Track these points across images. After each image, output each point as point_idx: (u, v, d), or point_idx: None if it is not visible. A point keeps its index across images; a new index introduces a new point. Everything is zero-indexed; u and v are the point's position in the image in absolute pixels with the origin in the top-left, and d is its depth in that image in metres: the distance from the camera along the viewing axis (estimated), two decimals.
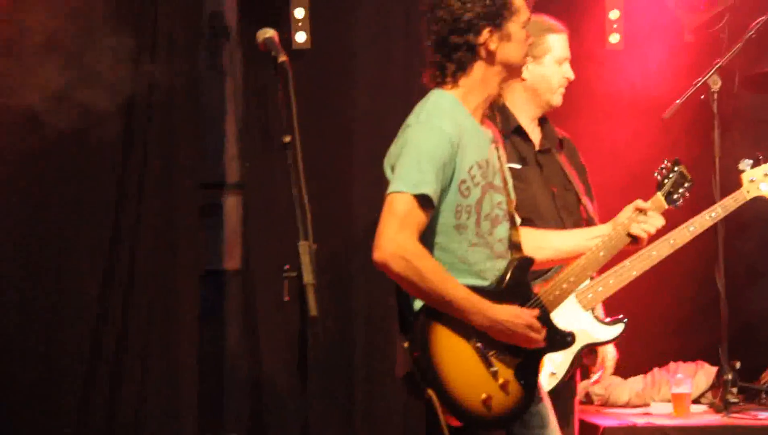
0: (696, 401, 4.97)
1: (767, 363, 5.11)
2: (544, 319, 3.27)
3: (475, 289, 3.14)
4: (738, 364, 4.86)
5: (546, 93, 4.11)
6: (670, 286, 5.72)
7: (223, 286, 3.51)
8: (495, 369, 3.13)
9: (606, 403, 5.08)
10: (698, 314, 5.66)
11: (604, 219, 4.40)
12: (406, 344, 3.10)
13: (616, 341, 4.04)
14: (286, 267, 3.07)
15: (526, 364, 3.20)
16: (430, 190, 3.05)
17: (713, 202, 4.60)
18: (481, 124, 3.26)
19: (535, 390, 3.27)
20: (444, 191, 3.11)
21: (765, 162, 3.98)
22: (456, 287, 3.08)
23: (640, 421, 4.45)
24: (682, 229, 3.97)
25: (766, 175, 3.96)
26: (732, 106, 5.36)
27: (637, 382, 5.11)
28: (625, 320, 4.00)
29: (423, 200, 3.05)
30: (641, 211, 3.51)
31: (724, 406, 4.68)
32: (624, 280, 3.99)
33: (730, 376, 4.78)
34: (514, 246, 3.26)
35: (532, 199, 4.01)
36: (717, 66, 4.83)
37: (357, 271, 5.65)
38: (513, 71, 3.27)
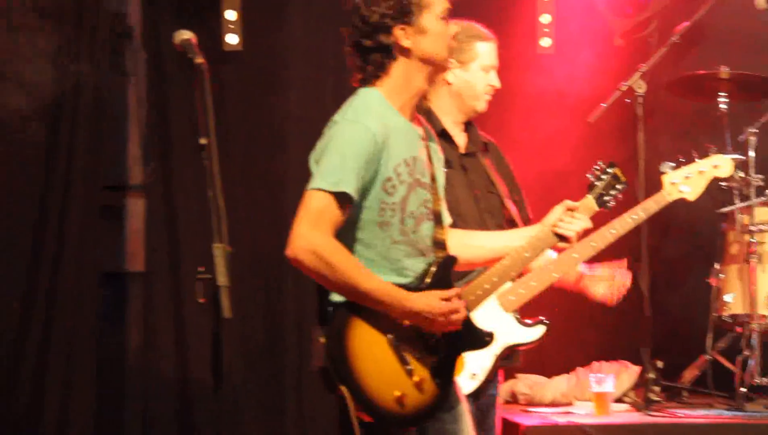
0: (619, 400, 5.04)
1: (690, 362, 5.19)
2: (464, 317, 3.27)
3: (400, 286, 3.13)
4: (660, 364, 4.94)
5: (471, 99, 4.13)
6: None
7: (125, 288, 3.49)
8: (410, 367, 3.13)
9: (531, 403, 5.14)
10: (623, 315, 5.74)
11: (536, 219, 4.47)
12: (321, 338, 3.10)
13: (537, 343, 4.07)
14: (200, 269, 3.06)
15: (443, 364, 3.21)
16: (350, 188, 3.05)
17: (636, 204, 4.70)
18: (411, 120, 3.25)
19: (451, 389, 3.27)
20: (367, 188, 3.10)
21: (685, 165, 4.04)
22: (370, 279, 3.07)
23: (562, 420, 4.50)
24: (604, 231, 4.02)
25: (686, 177, 3.96)
26: (656, 109, 5.45)
27: (561, 382, 5.18)
28: (547, 322, 4.04)
29: (341, 198, 3.05)
30: (570, 210, 3.51)
31: (645, 405, 4.76)
32: (545, 283, 4.03)
33: (652, 375, 4.86)
34: (438, 244, 3.26)
35: (455, 202, 4.04)
36: (641, 70, 4.91)
37: (288, 273, 5.67)
38: (436, 64, 3.23)
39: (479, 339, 3.33)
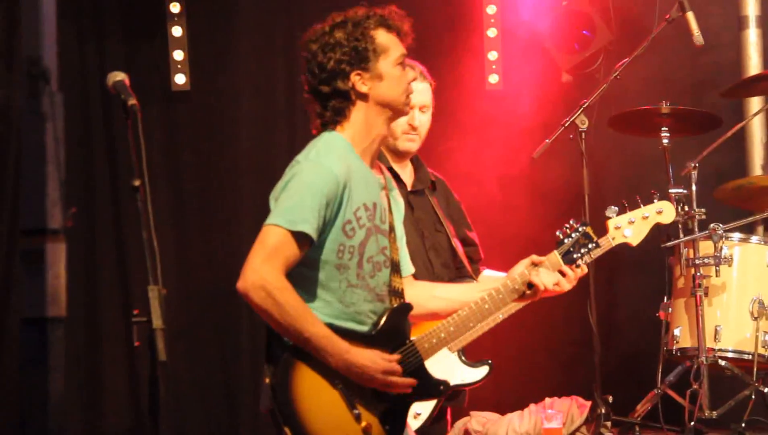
0: None
1: (641, 396, 5.20)
2: (417, 366, 3.25)
3: (349, 333, 3.14)
4: (610, 398, 4.94)
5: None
6: (546, 324, 5.81)
7: (46, 333, 3.42)
8: (358, 412, 3.11)
9: None
10: (573, 350, 5.76)
11: (487, 257, 4.47)
12: (267, 380, 3.08)
13: (481, 383, 4.05)
14: (135, 312, 3.03)
15: (392, 409, 3.19)
16: (308, 228, 3.05)
17: None
18: (372, 167, 3.27)
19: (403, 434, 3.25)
20: (327, 229, 3.11)
21: (630, 209, 4.06)
22: (315, 325, 3.06)
23: None
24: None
25: (630, 222, 3.99)
26: (600, 144, 5.50)
27: (514, 419, 5.15)
28: (490, 362, 4.03)
29: (299, 237, 3.05)
30: (535, 265, 3.47)
31: None
32: (490, 323, 4.02)
33: (603, 410, 4.85)
34: (395, 292, 3.26)
35: None
36: (583, 106, 4.94)
37: (243, 311, 5.65)
38: (394, 109, 3.24)
39: (432, 388, 3.31)
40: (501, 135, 5.95)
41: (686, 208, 4.97)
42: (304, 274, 3.12)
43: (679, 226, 4.99)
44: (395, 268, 3.28)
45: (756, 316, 4.90)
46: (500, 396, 5.46)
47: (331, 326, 3.12)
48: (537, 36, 6.00)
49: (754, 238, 5.07)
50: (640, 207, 4.11)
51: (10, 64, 4.40)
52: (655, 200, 4.15)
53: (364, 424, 3.12)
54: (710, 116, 5.14)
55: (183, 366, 5.60)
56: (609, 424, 4.89)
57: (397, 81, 3.22)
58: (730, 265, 4.90)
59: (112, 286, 5.49)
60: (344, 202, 3.11)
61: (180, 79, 5.75)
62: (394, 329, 3.22)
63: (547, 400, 5.23)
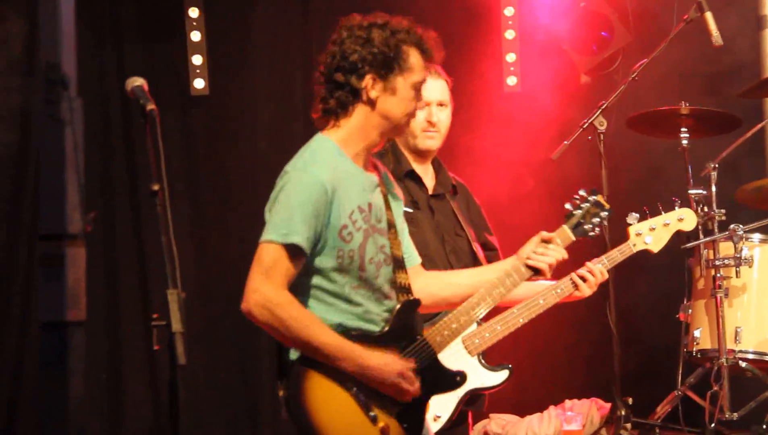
0: None
1: (661, 398, 5.18)
2: (431, 360, 3.26)
3: (361, 334, 3.15)
4: (630, 400, 4.91)
5: (409, 136, 4.13)
6: (566, 326, 5.80)
7: (65, 337, 3.46)
8: (374, 414, 3.12)
9: None
10: (593, 352, 5.74)
11: (505, 256, 4.46)
12: (281, 393, 3.11)
13: (501, 387, 4.05)
14: (155, 316, 3.05)
15: (410, 407, 3.19)
16: (300, 239, 3.05)
17: (603, 241, 4.71)
18: (365, 167, 3.26)
19: (422, 432, 3.25)
20: (322, 237, 3.11)
21: (651, 216, 4.10)
22: (323, 333, 3.08)
23: None
24: (567, 279, 4.04)
25: (651, 229, 4.06)
26: (619, 145, 5.48)
27: (533, 421, 5.15)
28: (510, 366, 4.02)
29: (292, 250, 3.06)
30: (545, 241, 3.46)
31: None
32: (511, 327, 4.00)
33: (623, 412, 4.83)
34: (401, 289, 3.26)
35: (423, 244, 4.04)
36: (602, 107, 4.92)
37: None
38: (393, 126, 3.23)
39: (449, 380, 3.32)
40: (519, 137, 5.94)
41: (706, 209, 4.95)
42: (308, 283, 3.14)
43: (699, 227, 4.96)
44: (399, 264, 3.28)
45: None
46: (520, 398, 5.45)
47: (341, 327, 3.14)
48: (555, 37, 5.99)
49: None
50: (661, 214, 4.14)
51: (29, 70, 4.44)
52: (677, 207, 4.19)
53: (381, 425, 3.13)
54: (730, 117, 5.12)
55: (202, 369, 5.62)
56: (629, 426, 4.87)
57: (407, 102, 3.21)
58: (750, 266, 4.88)
59: (132, 290, 5.52)
60: (335, 208, 3.11)
61: (199, 83, 5.78)
62: (404, 326, 3.23)
63: (567, 402, 5.22)
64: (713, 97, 5.49)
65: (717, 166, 4.97)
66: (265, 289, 3.03)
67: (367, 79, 3.16)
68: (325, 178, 3.09)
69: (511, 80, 6.07)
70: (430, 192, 4.17)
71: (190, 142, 5.86)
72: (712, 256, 4.90)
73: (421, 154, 4.17)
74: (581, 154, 5.23)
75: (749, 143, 5.15)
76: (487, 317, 4.07)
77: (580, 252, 4.23)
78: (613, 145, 5.18)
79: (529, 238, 3.56)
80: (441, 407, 3.89)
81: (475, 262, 4.21)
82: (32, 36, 4.81)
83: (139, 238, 5.49)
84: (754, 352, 4.89)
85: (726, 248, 4.89)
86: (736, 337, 4.88)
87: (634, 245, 4.08)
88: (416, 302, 3.28)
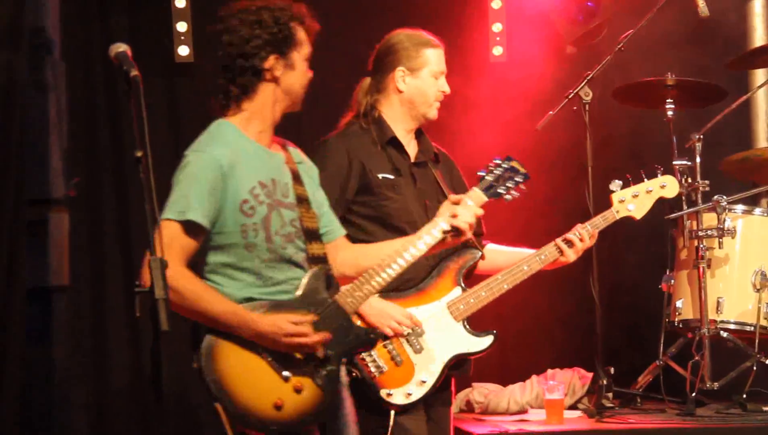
0: (573, 407, 5.05)
1: (642, 368, 5.21)
2: (343, 320, 3.34)
3: (273, 302, 3.25)
4: (612, 370, 4.95)
5: (422, 106, 4.15)
6: (548, 296, 5.82)
7: (50, 303, 3.48)
8: (287, 374, 3.22)
9: (486, 411, 5.14)
10: (575, 322, 5.77)
11: (491, 227, 4.48)
12: (195, 365, 3.21)
13: (486, 352, 4.08)
14: (138, 282, 3.07)
15: (323, 366, 3.28)
16: (196, 215, 3.18)
17: (587, 210, 4.73)
18: (270, 145, 3.38)
19: (338, 391, 3.35)
20: (221, 213, 3.23)
21: (634, 184, 4.14)
22: (217, 303, 3.18)
23: (513, 428, 4.49)
24: (551, 245, 4.09)
25: (634, 196, 4.10)
26: (604, 116, 5.49)
27: (515, 390, 5.18)
28: (494, 332, 4.06)
29: (189, 226, 3.19)
30: (455, 203, 3.54)
31: (598, 412, 4.77)
32: (495, 293, 4.07)
33: (604, 382, 4.87)
34: (315, 259, 3.36)
35: (405, 211, 4.06)
36: (588, 78, 4.93)
37: None
38: (294, 100, 3.40)
39: (362, 338, 3.42)
40: (505, 107, 5.94)
41: (690, 180, 4.98)
42: (216, 261, 3.26)
43: (683, 198, 4.99)
44: (312, 235, 3.38)
45: (758, 287, 4.92)
46: (502, 367, 5.48)
47: (252, 300, 3.24)
48: (541, 8, 5.98)
49: (758, 210, 5.07)
50: (644, 181, 4.16)
51: (13, 35, 4.39)
52: (659, 175, 4.21)
53: (294, 383, 3.22)
54: (715, 88, 5.13)
55: (186, 339, 5.61)
56: (611, 395, 4.91)
57: (303, 74, 3.41)
58: (733, 237, 4.91)
59: (116, 257, 5.50)
60: (234, 184, 3.23)
61: (183, 50, 5.74)
62: (313, 292, 3.32)
63: (549, 371, 5.25)
64: (699, 68, 5.49)
65: (702, 137, 4.99)
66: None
67: (270, 60, 3.31)
68: (221, 155, 3.23)
69: (497, 50, 6.06)
70: (412, 160, 4.18)
71: (174, 110, 5.82)
72: (695, 227, 4.92)
73: (419, 123, 4.19)
74: (566, 124, 5.23)
75: (734, 114, 5.17)
76: (472, 283, 4.10)
77: (563, 223, 4.26)
78: (598, 115, 5.19)
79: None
80: (426, 373, 3.93)
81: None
82: (17, 2, 4.77)
83: (123, 205, 5.47)
84: (735, 323, 4.94)
85: (709, 219, 4.92)
86: (717, 308, 4.91)
87: (617, 212, 4.12)
88: (325, 268, 3.38)
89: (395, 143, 4.13)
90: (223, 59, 3.35)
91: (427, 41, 4.17)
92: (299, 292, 3.31)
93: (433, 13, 5.98)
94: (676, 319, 5.05)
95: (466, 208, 3.52)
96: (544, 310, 5.89)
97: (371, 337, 3.44)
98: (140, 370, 5.49)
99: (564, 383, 4.94)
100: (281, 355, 3.22)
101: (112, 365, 5.51)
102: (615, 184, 4.20)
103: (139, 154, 3.00)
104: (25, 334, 4.89)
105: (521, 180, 3.64)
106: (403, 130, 4.17)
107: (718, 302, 4.92)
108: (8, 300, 4.61)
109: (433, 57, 4.17)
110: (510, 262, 4.12)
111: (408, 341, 3.94)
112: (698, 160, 4.98)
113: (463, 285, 4.06)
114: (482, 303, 4.06)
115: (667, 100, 5.09)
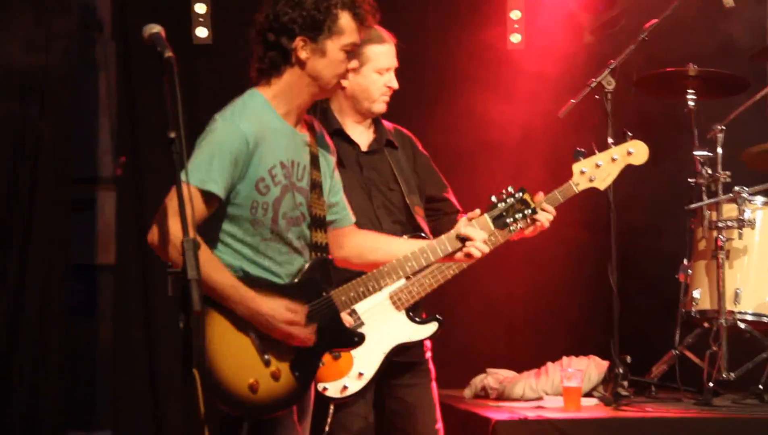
0: (588, 395, 5.06)
1: (658, 357, 5.23)
2: (332, 317, 3.31)
3: (265, 283, 3.22)
4: (628, 358, 4.96)
5: (365, 101, 4.13)
6: (564, 283, 5.82)
7: (95, 280, 3.47)
8: (268, 357, 3.19)
9: (501, 397, 5.15)
10: (592, 310, 5.78)
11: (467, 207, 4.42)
12: (181, 324, 3.16)
13: (431, 339, 4.06)
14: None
15: (304, 356, 3.25)
16: (216, 187, 3.14)
17: (606, 199, 4.72)
18: (296, 126, 3.32)
19: (310, 384, 3.32)
20: (238, 186, 3.20)
21: (598, 152, 3.82)
22: (218, 273, 3.14)
23: (531, 414, 4.50)
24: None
25: (596, 165, 3.80)
26: (626, 105, 5.48)
27: (530, 377, 5.19)
28: (439, 318, 4.02)
29: (206, 195, 3.15)
30: (470, 220, 3.43)
31: (614, 399, 4.78)
32: (441, 280, 3.99)
33: (620, 370, 4.88)
34: (316, 247, 3.33)
35: (348, 200, 4.01)
36: (611, 67, 4.91)
37: None
38: (323, 88, 3.30)
39: (347, 339, 3.40)
40: (523, 94, 5.93)
41: (711, 171, 4.98)
42: (219, 228, 3.22)
43: (703, 188, 4.99)
44: (318, 223, 3.35)
45: None
46: (517, 354, 5.49)
47: (244, 273, 3.21)
48: None
49: None
50: (610, 148, 3.88)
51: (64, 14, 4.36)
52: (628, 140, 3.89)
53: (273, 368, 3.20)
54: (737, 79, 5.13)
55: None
56: (626, 383, 4.91)
57: (336, 64, 3.27)
58: (752, 229, 4.92)
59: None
60: (255, 160, 3.19)
61: (202, 32, 5.72)
62: (311, 282, 3.29)
63: (565, 359, 5.26)
64: (721, 59, 5.48)
65: (724, 128, 4.99)
66: (171, 224, 3.09)
67: (298, 41, 3.22)
68: (249, 130, 3.18)
69: (515, 37, 6.05)
70: (365, 148, 4.16)
71: (191, 93, 5.80)
72: (714, 218, 4.93)
73: (366, 117, 4.18)
74: (584, 113, 5.22)
75: (757, 106, 5.17)
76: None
77: (584, 212, 4.23)
78: (619, 105, 5.18)
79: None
80: (365, 365, 3.94)
81: (408, 216, 4.19)
82: None
83: (169, 184, 5.44)
84: (753, 314, 4.95)
85: (729, 210, 4.92)
86: (735, 299, 4.92)
87: (577, 185, 3.80)
88: (327, 261, 3.35)
89: (341, 134, 4.12)
90: (258, 27, 3.28)
91: (370, 38, 4.08)
92: (297, 280, 3.28)
93: (451, 1, 5.97)
94: (693, 309, 5.06)
95: (478, 233, 3.40)
96: (560, 298, 5.90)
97: (356, 340, 3.40)
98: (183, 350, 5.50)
99: (580, 371, 4.93)
100: (266, 339, 3.19)
101: (157, 344, 5.50)
102: (578, 154, 3.81)
103: (172, 134, 3.01)
104: (67, 312, 4.88)
105: (529, 214, 3.45)
106: (351, 121, 4.16)
107: (735, 293, 4.93)
108: (51, 277, 4.59)
109: (378, 53, 4.10)
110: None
111: None
112: (719, 150, 4.98)
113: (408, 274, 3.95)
114: (426, 291, 3.99)
115: (689, 91, 5.09)
